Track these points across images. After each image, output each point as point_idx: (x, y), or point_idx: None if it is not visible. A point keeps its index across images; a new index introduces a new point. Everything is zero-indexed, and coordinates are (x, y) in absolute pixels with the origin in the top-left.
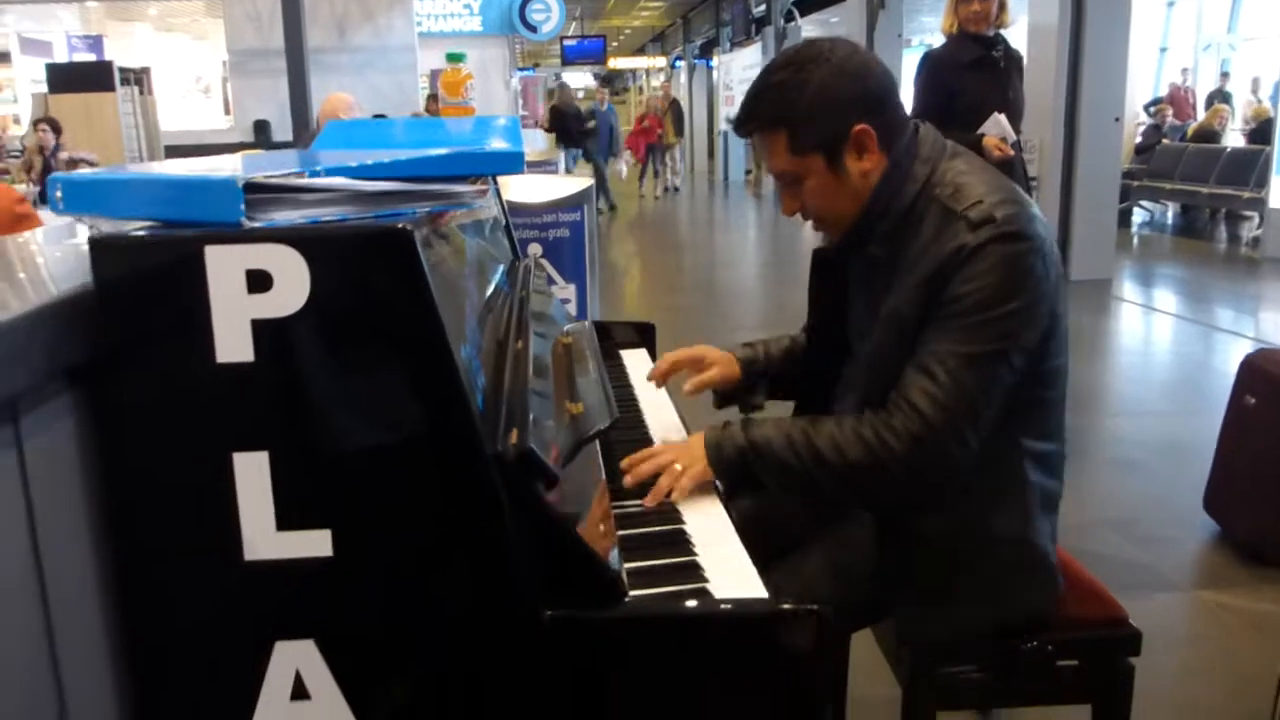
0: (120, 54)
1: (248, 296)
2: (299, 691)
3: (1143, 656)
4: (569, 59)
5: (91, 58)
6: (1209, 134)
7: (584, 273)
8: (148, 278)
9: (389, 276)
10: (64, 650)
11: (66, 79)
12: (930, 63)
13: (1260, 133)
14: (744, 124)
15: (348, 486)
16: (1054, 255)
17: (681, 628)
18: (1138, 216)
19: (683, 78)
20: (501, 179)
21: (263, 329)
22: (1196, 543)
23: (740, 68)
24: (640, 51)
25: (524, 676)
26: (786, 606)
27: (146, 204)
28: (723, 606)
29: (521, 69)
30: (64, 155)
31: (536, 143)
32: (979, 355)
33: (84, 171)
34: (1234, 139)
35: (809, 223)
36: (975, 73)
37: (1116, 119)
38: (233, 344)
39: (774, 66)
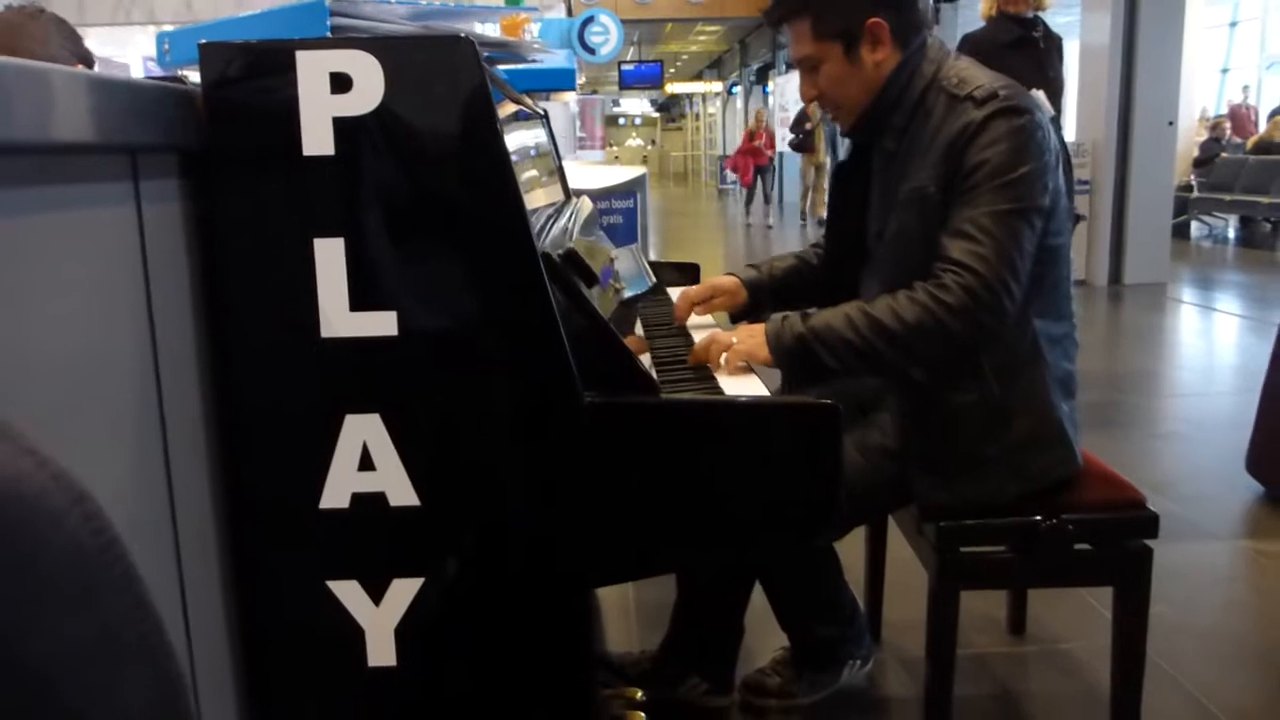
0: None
1: (330, 96)
2: (366, 463)
3: (1178, 594)
4: (627, 83)
5: None
6: (1270, 146)
7: None
8: (247, 79)
9: (453, 79)
10: (169, 403)
11: None
12: (969, 45)
13: None
14: (773, 11)
15: (412, 272)
16: (1051, 134)
17: (703, 413)
18: (1196, 230)
19: (739, 103)
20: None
21: (342, 126)
22: (1238, 501)
23: (796, 89)
24: (697, 77)
25: (564, 455)
26: (796, 399)
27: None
28: (739, 399)
29: (580, 95)
30: None
31: (596, 158)
32: (1005, 213)
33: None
34: None
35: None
36: (1015, 53)
37: (1170, 123)
38: (317, 139)
39: None
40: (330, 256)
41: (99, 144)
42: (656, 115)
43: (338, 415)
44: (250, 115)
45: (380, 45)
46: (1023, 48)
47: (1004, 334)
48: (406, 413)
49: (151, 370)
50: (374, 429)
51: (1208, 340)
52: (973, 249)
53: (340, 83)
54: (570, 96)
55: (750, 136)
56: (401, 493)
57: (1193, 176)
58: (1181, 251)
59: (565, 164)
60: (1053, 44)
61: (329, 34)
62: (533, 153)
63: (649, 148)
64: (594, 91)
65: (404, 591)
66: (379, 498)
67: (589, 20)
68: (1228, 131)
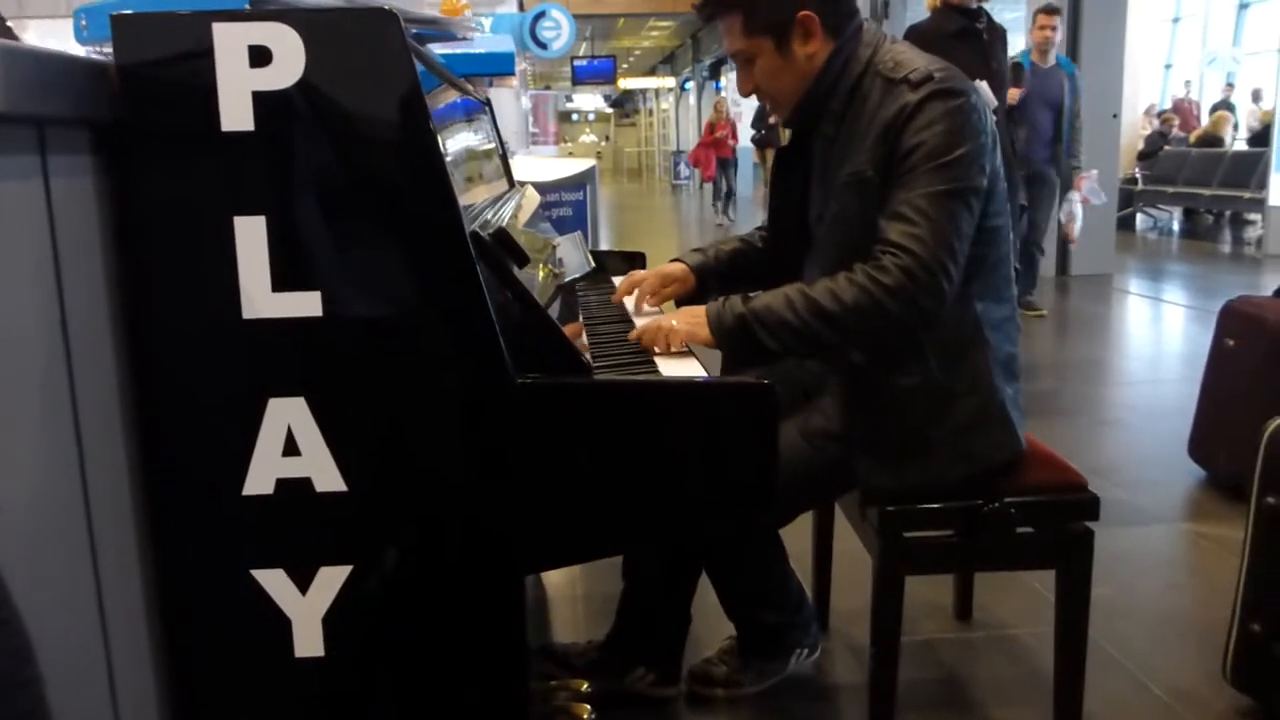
0: None
1: (249, 70)
2: (290, 447)
3: (1121, 576)
4: (579, 79)
5: None
6: (1213, 139)
7: None
8: (162, 52)
9: (377, 53)
10: (81, 387)
11: None
12: (915, 35)
13: (1261, 137)
14: (703, 7)
15: (336, 251)
16: (988, 118)
17: (636, 393)
18: (1142, 223)
19: (691, 99)
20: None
21: (262, 100)
22: (1181, 485)
23: None
24: (651, 73)
25: (496, 438)
26: (730, 379)
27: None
28: (672, 379)
29: (533, 91)
30: None
31: (549, 154)
32: (942, 194)
33: None
34: (1237, 148)
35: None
36: (959, 43)
37: (1115, 115)
38: (236, 114)
39: None
40: (251, 235)
41: (1, 114)
42: (610, 111)
43: (261, 399)
44: (166, 89)
45: (300, 18)
46: (966, 38)
47: (945, 316)
48: (332, 395)
49: (61, 352)
50: (298, 413)
51: (1153, 329)
52: (910, 231)
53: (259, 56)
54: (514, 81)
55: (711, 128)
56: (327, 478)
57: (1137, 169)
58: (1127, 243)
59: (517, 158)
60: (996, 35)
61: (248, 6)
62: (473, 139)
63: (603, 143)
64: (547, 87)
65: (331, 580)
66: (304, 483)
67: (540, 15)
68: (1175, 126)
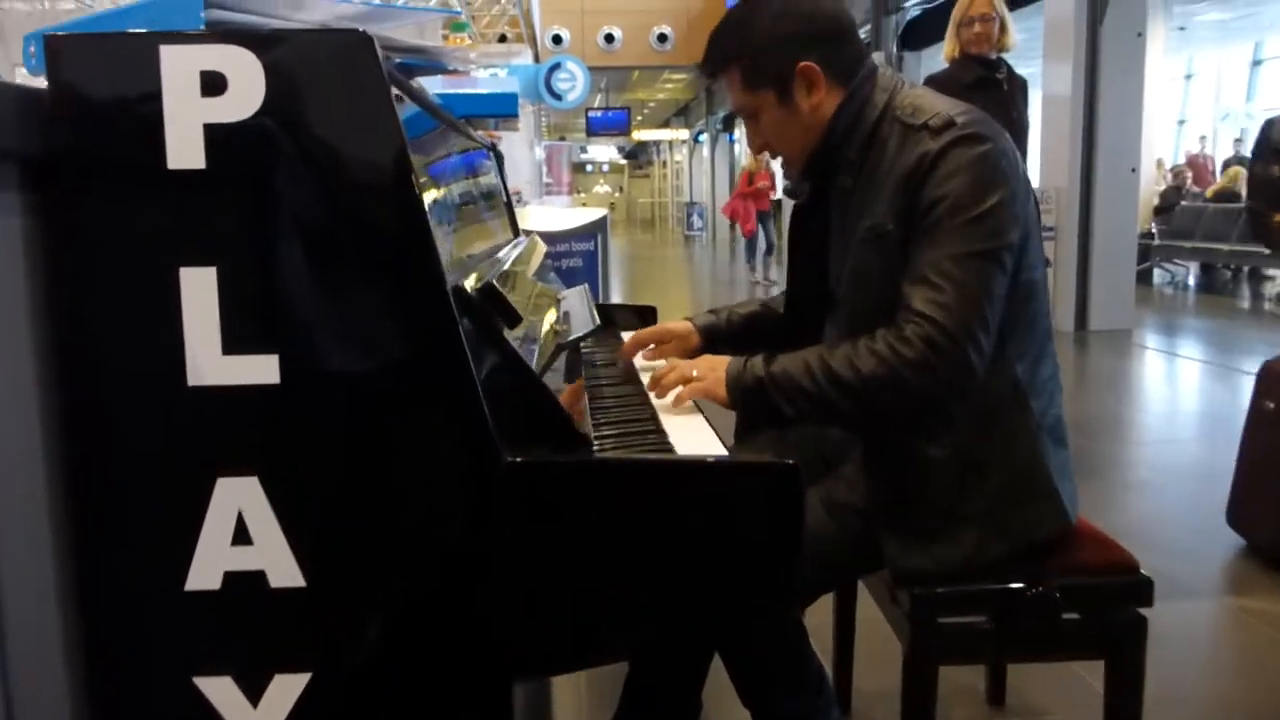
0: None
1: (201, 100)
2: (241, 535)
3: (1165, 656)
4: (594, 130)
5: None
6: (1229, 194)
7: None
8: (101, 77)
9: (347, 81)
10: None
11: None
12: (933, 85)
13: None
14: (706, 64)
15: (297, 310)
16: (1017, 162)
17: (644, 475)
18: (1159, 277)
19: (705, 151)
20: (519, 210)
21: (215, 135)
22: (1219, 554)
23: None
24: (665, 124)
25: (480, 525)
26: (748, 459)
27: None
28: (686, 459)
29: (547, 142)
30: None
31: (563, 204)
32: (971, 255)
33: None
34: None
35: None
36: (978, 93)
37: (1133, 169)
38: (184, 149)
39: (732, 8)
40: (200, 289)
41: None
42: (624, 162)
43: (208, 478)
44: (106, 120)
45: (261, 41)
46: (986, 89)
47: (984, 381)
48: (290, 476)
49: None
50: (251, 495)
51: (1174, 386)
52: (934, 297)
53: (213, 84)
54: (520, 125)
55: (750, 178)
56: (283, 571)
57: (1154, 224)
58: (1145, 298)
59: (529, 208)
60: (1016, 85)
61: (203, 27)
62: (473, 186)
63: (616, 195)
64: (561, 138)
65: (287, 690)
66: (257, 577)
67: (555, 66)
68: (1188, 181)
